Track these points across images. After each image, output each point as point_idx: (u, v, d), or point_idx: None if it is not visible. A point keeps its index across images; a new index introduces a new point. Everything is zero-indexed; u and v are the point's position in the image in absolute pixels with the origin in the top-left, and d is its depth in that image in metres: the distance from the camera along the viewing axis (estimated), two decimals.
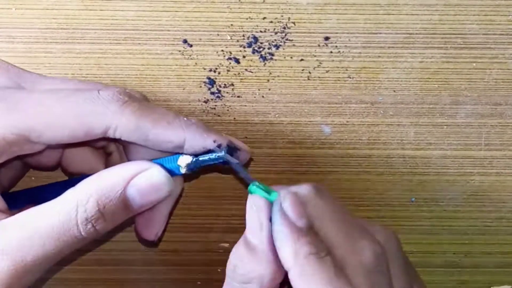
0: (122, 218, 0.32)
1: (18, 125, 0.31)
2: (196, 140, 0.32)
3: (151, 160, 0.34)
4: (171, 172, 0.34)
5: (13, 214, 0.31)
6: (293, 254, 0.29)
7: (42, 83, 0.34)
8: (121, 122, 0.31)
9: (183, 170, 0.34)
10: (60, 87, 0.34)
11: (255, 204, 0.31)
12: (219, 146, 0.33)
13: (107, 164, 0.37)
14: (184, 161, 0.33)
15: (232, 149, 0.33)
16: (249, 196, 0.31)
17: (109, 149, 0.37)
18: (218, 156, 0.33)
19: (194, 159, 0.33)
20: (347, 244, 0.30)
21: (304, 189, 0.31)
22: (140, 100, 0.33)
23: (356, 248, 0.30)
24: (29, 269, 0.30)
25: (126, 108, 0.31)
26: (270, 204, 0.31)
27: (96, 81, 0.39)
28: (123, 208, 0.32)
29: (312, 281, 0.29)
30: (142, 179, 0.32)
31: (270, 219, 0.30)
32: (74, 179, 0.37)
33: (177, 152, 0.34)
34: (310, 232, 0.30)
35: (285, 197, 0.30)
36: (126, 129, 0.31)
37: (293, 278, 0.29)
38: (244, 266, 0.31)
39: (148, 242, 0.38)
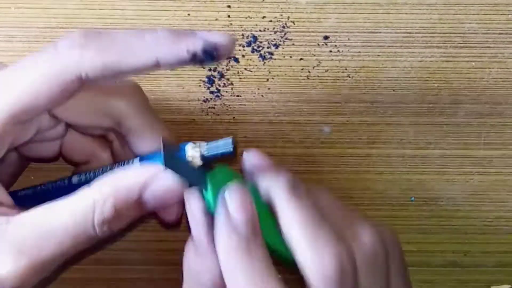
0: (135, 217, 0.32)
1: (3, 108, 0.30)
2: (168, 57, 0.30)
3: (154, 152, 0.34)
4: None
5: (21, 210, 0.31)
6: (222, 247, 0.29)
7: None
8: (87, 67, 0.30)
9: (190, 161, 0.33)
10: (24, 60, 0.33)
11: (188, 201, 0.31)
12: (194, 55, 0.29)
13: (111, 153, 0.37)
14: (190, 153, 0.32)
15: (208, 53, 0.30)
16: (185, 193, 0.31)
17: (109, 138, 0.37)
18: (225, 151, 0.32)
19: (200, 155, 0.32)
20: (310, 249, 0.29)
21: (277, 185, 0.31)
22: (98, 36, 0.31)
23: (318, 254, 0.29)
24: (44, 267, 0.30)
25: (85, 52, 0.30)
26: (202, 197, 0.30)
27: None
28: (138, 209, 0.32)
29: (233, 278, 0.28)
30: (158, 185, 0.32)
31: (211, 213, 0.30)
32: (73, 178, 0.36)
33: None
34: (248, 224, 0.29)
35: (229, 188, 0.30)
36: (95, 71, 0.30)
37: (223, 272, 0.29)
38: (194, 267, 0.31)
39: (171, 224, 0.38)
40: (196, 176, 0.31)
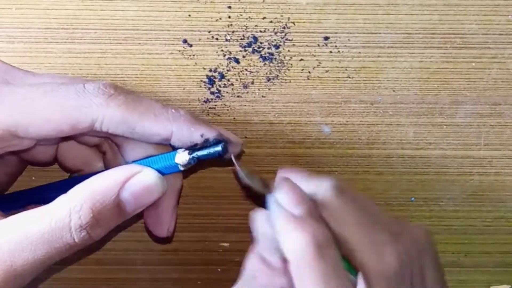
0: (116, 222, 0.32)
1: (3, 120, 0.30)
2: (183, 133, 0.32)
3: (147, 157, 0.34)
4: (169, 169, 0.33)
5: (5, 216, 0.31)
6: (290, 245, 0.28)
7: (30, 79, 0.34)
8: (107, 115, 0.31)
9: (181, 168, 0.33)
10: (47, 82, 0.33)
11: (257, 220, 0.30)
12: (206, 140, 0.33)
13: (104, 163, 0.37)
14: (181, 158, 0.33)
15: (219, 142, 0.33)
16: (252, 212, 0.31)
17: (102, 149, 0.37)
18: (215, 151, 0.33)
19: (191, 156, 0.33)
20: (369, 249, 0.29)
21: (323, 190, 0.30)
22: (126, 92, 0.32)
23: (378, 253, 0.29)
24: (18, 274, 0.30)
25: (111, 101, 0.31)
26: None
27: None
28: (118, 213, 0.31)
29: (306, 275, 0.27)
30: (135, 182, 0.32)
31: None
32: (75, 179, 0.37)
33: (172, 147, 0.33)
34: (311, 219, 0.28)
35: (279, 186, 0.29)
36: (112, 122, 0.31)
37: (290, 268, 0.28)
38: (263, 277, 0.30)
39: (162, 239, 0.38)
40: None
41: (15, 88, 0.31)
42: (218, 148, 0.33)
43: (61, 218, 0.30)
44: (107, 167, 0.37)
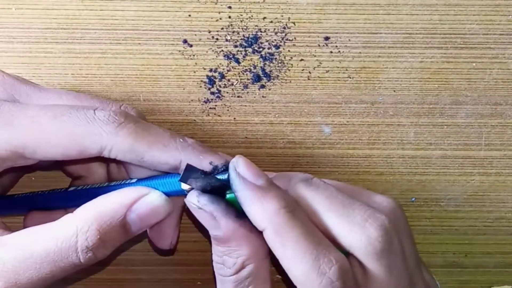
0: (120, 242, 0.32)
1: (11, 142, 0.30)
2: (192, 162, 0.32)
3: (152, 176, 0.34)
4: (174, 193, 0.33)
5: (10, 229, 0.31)
6: (262, 213, 0.29)
7: (37, 96, 0.34)
8: (116, 144, 0.31)
9: (187, 192, 0.33)
10: (55, 102, 0.33)
11: (192, 203, 0.31)
12: (215, 167, 0.32)
13: (107, 173, 0.37)
14: (187, 185, 0.32)
15: (228, 168, 0.32)
16: (185, 200, 0.32)
17: (106, 160, 0.37)
18: (222, 178, 0.32)
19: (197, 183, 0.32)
20: (350, 230, 0.29)
21: (292, 186, 0.31)
22: (136, 120, 0.32)
23: (361, 231, 0.29)
24: None
25: (121, 130, 0.31)
26: (200, 192, 0.31)
27: (95, 84, 0.39)
28: (123, 233, 0.32)
29: (286, 238, 0.28)
30: (142, 205, 0.32)
31: (213, 201, 0.30)
32: (78, 191, 0.36)
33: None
34: (273, 188, 0.30)
35: (237, 162, 0.30)
36: (121, 150, 0.31)
37: (268, 238, 0.29)
38: (228, 259, 0.31)
39: (165, 251, 0.38)
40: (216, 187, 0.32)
41: (24, 109, 0.31)
42: (225, 176, 0.32)
43: (67, 239, 0.30)
44: (110, 177, 0.37)
